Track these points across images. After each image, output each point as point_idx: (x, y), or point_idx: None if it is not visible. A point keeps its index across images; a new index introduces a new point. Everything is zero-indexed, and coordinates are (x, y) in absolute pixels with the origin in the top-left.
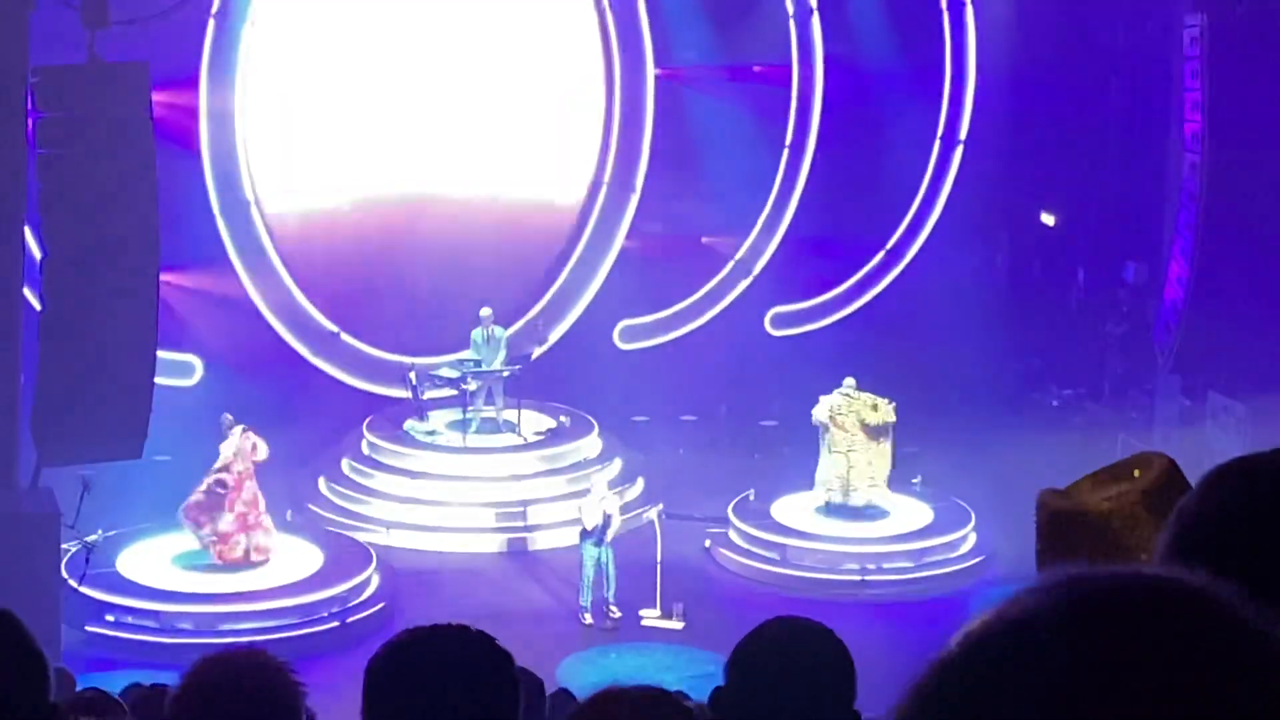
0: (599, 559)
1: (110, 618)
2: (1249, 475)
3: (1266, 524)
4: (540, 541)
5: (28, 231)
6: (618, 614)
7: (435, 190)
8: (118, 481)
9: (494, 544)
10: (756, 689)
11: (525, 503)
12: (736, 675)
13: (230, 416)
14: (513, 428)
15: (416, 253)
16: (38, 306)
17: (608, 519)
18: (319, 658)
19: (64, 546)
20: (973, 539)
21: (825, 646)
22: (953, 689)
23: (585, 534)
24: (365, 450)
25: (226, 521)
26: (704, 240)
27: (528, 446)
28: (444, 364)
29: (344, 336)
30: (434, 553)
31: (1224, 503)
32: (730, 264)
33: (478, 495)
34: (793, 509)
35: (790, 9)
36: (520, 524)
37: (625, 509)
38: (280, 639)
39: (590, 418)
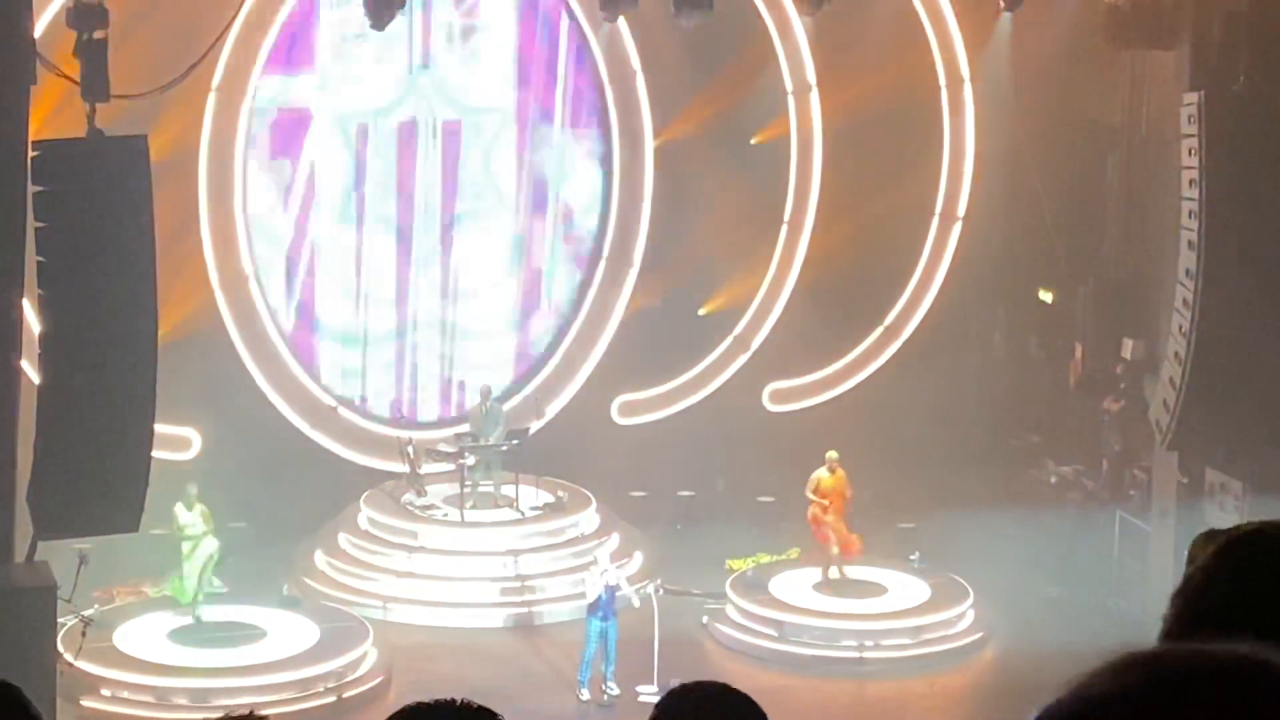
0: (603, 634)
1: (106, 692)
2: (1254, 547)
3: (1269, 597)
4: (537, 616)
5: (26, 304)
6: (615, 690)
7: (434, 263)
8: (114, 555)
9: (492, 618)
10: None
11: (522, 577)
12: None
13: (193, 487)
14: (510, 502)
15: (416, 326)
16: (36, 379)
17: (611, 591)
18: None
19: (60, 620)
20: (970, 615)
21: (738, 709)
22: None
23: (590, 608)
24: (363, 524)
25: None
26: (701, 313)
27: (525, 521)
28: (442, 439)
29: (341, 411)
30: (432, 627)
31: (1231, 575)
32: (728, 339)
33: (475, 569)
34: (791, 585)
35: (789, 86)
36: (518, 598)
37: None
38: (276, 713)
39: (588, 493)
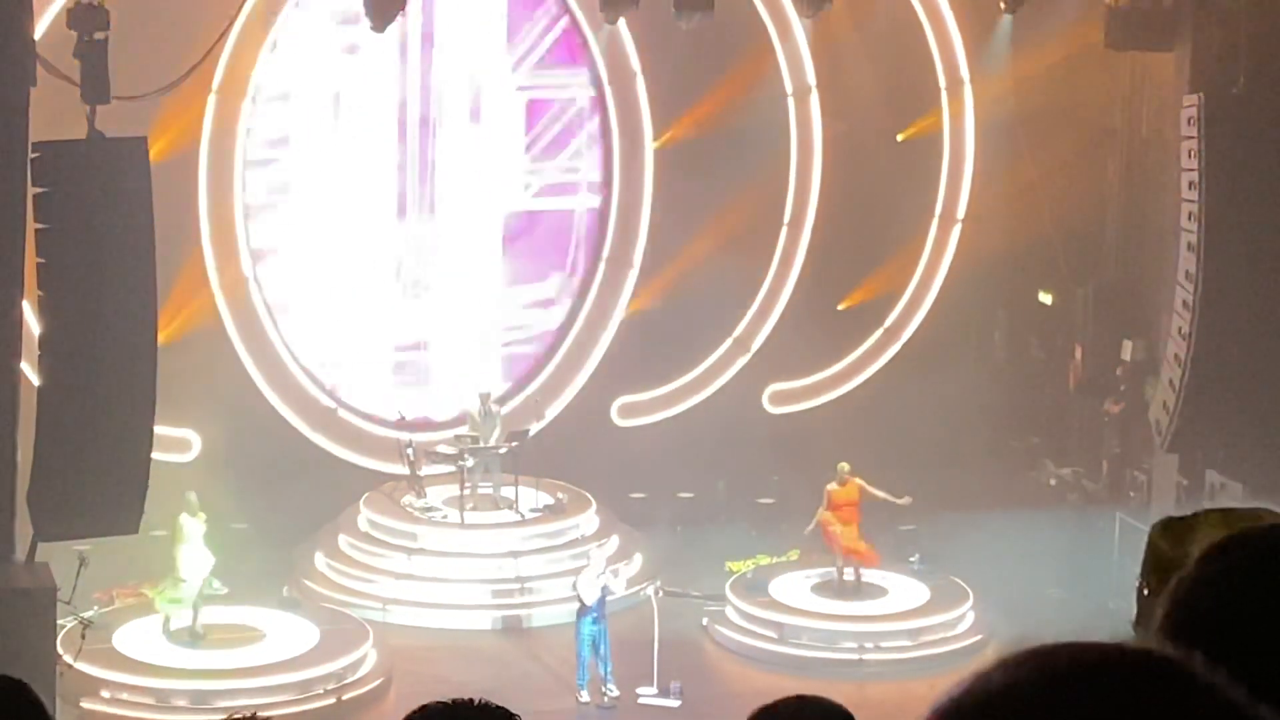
0: (594, 637)
1: (106, 694)
2: (1247, 550)
3: (1266, 598)
4: (537, 618)
5: (26, 305)
6: (615, 692)
7: (432, 264)
8: (114, 557)
9: (491, 620)
10: None
11: (522, 579)
12: None
13: (194, 495)
14: (510, 504)
15: (414, 326)
16: (35, 380)
17: (605, 594)
18: None
19: (60, 622)
20: (970, 617)
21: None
22: None
23: (582, 611)
24: (363, 526)
25: None
26: (702, 315)
27: (525, 523)
28: (442, 440)
29: (341, 412)
30: (431, 629)
31: (1222, 577)
32: (729, 341)
33: (475, 571)
34: (791, 587)
35: (789, 87)
36: (517, 600)
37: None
38: (276, 715)
39: (587, 494)
